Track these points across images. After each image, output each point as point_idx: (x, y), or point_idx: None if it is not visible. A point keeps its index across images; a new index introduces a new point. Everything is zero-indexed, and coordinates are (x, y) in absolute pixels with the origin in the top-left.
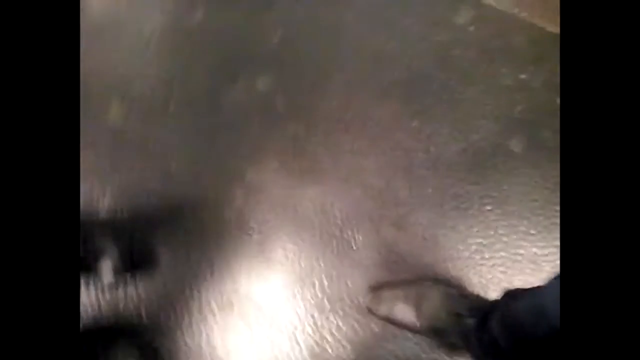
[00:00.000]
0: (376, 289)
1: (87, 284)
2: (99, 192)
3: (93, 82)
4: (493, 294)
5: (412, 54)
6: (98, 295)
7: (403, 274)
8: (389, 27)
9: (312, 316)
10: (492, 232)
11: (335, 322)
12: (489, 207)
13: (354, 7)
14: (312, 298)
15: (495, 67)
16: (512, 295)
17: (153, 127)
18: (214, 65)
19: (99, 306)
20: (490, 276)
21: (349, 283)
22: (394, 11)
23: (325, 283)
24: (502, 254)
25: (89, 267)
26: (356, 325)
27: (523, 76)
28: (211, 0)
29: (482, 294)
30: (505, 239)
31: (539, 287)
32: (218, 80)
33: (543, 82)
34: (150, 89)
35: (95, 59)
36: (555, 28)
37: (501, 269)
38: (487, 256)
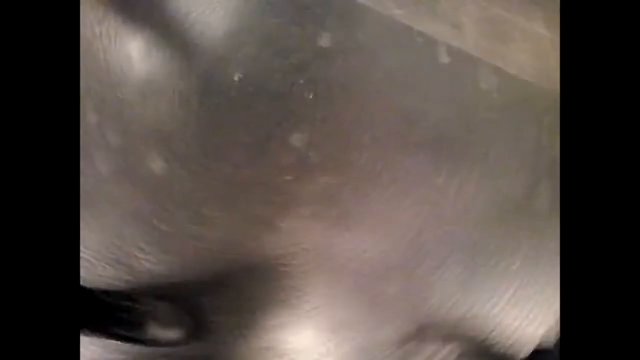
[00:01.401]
0: (403, 341)
1: (133, 345)
2: (138, 243)
3: (134, 131)
4: (519, 354)
5: (438, 114)
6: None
7: (431, 328)
8: (417, 88)
9: None
10: (518, 292)
11: None
12: (515, 266)
13: (384, 69)
14: (336, 349)
15: (518, 129)
16: (540, 354)
17: (190, 176)
18: (250, 122)
19: None
20: (517, 336)
21: (377, 335)
22: (422, 74)
23: (352, 335)
24: (530, 315)
25: (134, 327)
26: None
27: (544, 141)
28: (246, 62)
29: (507, 353)
30: (537, 298)
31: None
32: (254, 136)
33: None
34: (188, 141)
35: (137, 111)
36: None
37: (529, 329)
38: (514, 315)
